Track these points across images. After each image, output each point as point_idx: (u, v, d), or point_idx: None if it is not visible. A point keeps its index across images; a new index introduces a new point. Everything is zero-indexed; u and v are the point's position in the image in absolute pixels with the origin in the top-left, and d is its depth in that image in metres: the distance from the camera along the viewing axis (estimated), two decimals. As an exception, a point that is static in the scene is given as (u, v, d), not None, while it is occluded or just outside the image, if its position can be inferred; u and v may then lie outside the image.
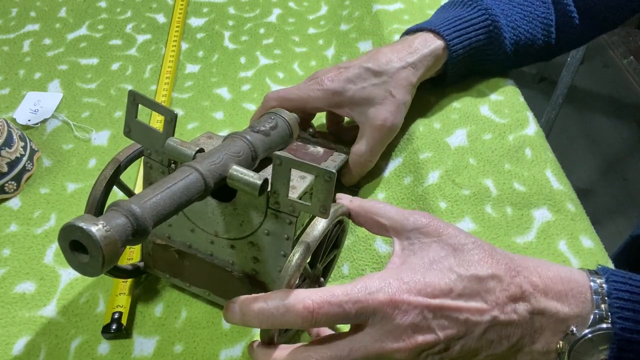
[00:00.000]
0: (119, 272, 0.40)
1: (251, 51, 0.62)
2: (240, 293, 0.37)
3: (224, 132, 0.54)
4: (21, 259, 0.45)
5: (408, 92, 0.46)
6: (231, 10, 0.68)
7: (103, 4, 0.69)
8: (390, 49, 0.46)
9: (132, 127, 0.34)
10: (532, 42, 0.50)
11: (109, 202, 0.36)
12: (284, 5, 0.68)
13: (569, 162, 1.60)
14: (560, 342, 0.29)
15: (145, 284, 0.43)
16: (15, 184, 0.49)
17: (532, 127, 0.48)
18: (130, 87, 0.58)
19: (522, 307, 0.29)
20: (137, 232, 0.25)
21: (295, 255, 0.31)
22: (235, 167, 0.32)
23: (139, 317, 0.41)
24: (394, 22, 0.59)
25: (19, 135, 0.50)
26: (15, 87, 0.59)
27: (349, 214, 0.36)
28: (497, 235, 0.41)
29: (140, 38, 0.64)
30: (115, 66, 0.61)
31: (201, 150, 0.33)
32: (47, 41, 0.64)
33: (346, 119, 0.53)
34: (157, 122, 0.54)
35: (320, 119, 0.54)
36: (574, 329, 0.29)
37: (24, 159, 0.50)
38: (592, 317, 0.29)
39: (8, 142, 0.48)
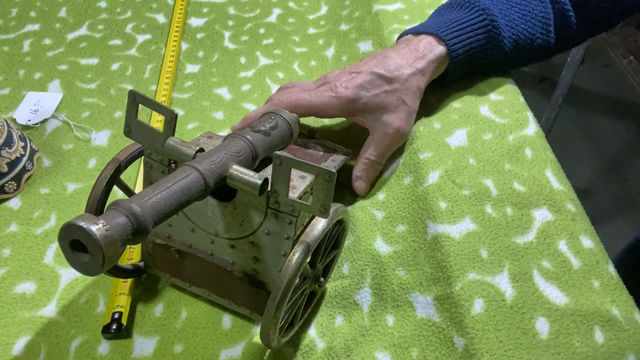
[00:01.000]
0: (119, 272, 0.40)
1: (251, 51, 0.62)
2: (241, 293, 0.37)
3: (224, 132, 0.54)
4: (21, 259, 0.45)
5: (418, 99, 0.47)
6: (231, 10, 0.68)
7: (103, 4, 0.69)
8: (398, 54, 0.46)
9: (132, 127, 0.34)
10: (531, 40, 0.50)
11: (109, 201, 0.36)
12: (284, 5, 0.68)
13: (569, 162, 1.60)
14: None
15: (145, 284, 0.43)
16: (15, 184, 0.49)
17: (532, 127, 0.48)
18: (130, 87, 0.58)
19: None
20: (138, 231, 0.25)
21: (295, 255, 0.31)
22: (235, 166, 0.32)
23: (139, 317, 0.41)
24: (394, 22, 0.59)
25: (19, 135, 0.50)
26: (15, 87, 0.59)
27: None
28: (497, 235, 0.41)
29: (140, 38, 0.64)
30: (115, 66, 0.61)
31: (201, 150, 0.33)
32: (47, 41, 0.64)
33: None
34: (157, 122, 0.54)
35: (319, 120, 0.54)
36: None
37: (24, 159, 0.50)
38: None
39: (8, 142, 0.48)
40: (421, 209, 0.43)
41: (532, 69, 1.83)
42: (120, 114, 0.56)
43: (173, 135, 0.34)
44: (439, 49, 0.47)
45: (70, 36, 0.64)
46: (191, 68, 0.61)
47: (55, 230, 0.47)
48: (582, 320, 0.37)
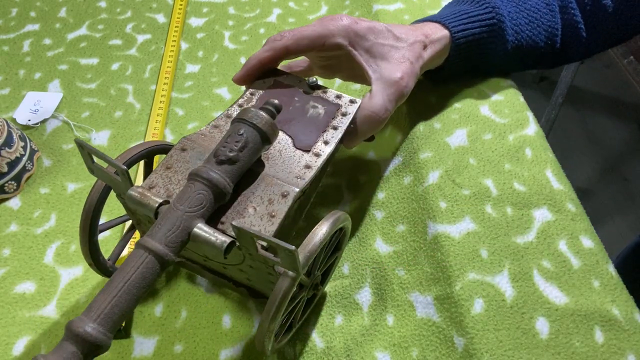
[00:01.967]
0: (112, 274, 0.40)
1: (251, 51, 0.62)
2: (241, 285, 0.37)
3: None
4: (21, 259, 0.45)
5: (419, 67, 0.45)
6: (231, 10, 0.68)
7: (103, 4, 0.69)
8: (404, 26, 0.46)
9: (94, 170, 0.33)
10: (534, 48, 0.50)
11: (109, 202, 0.36)
12: (284, 5, 0.68)
13: (569, 162, 1.60)
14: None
15: (145, 284, 0.43)
16: (15, 184, 0.49)
17: (532, 127, 0.48)
18: (130, 87, 0.59)
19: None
20: (90, 353, 0.26)
21: (289, 272, 0.30)
22: (199, 225, 0.30)
23: (139, 317, 0.41)
24: (394, 22, 0.59)
25: (19, 135, 0.50)
26: (15, 87, 0.59)
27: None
28: (497, 235, 0.41)
29: (140, 38, 0.64)
30: (115, 66, 0.61)
31: (166, 202, 0.31)
32: (47, 41, 0.64)
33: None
34: (156, 121, 0.54)
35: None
36: None
37: (24, 159, 0.50)
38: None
39: (8, 142, 0.48)
40: (421, 209, 0.43)
41: (532, 68, 1.83)
42: (120, 113, 0.56)
43: (132, 184, 0.32)
44: (443, 32, 0.47)
45: (70, 36, 0.64)
46: (191, 68, 0.61)
47: (55, 230, 0.47)
48: (582, 320, 0.37)
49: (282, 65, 0.46)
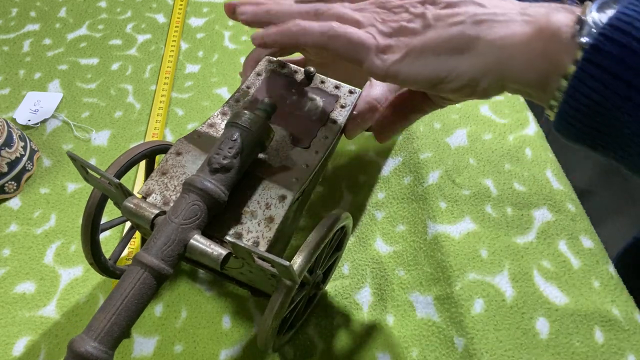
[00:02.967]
0: (117, 274, 0.40)
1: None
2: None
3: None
4: (21, 259, 0.45)
5: None
6: (231, 10, 0.68)
7: (103, 4, 0.69)
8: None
9: (89, 180, 0.33)
10: None
11: (110, 202, 0.36)
12: (284, 5, 0.68)
13: (569, 162, 1.60)
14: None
15: (145, 284, 0.43)
16: (15, 184, 0.49)
17: (532, 127, 0.48)
18: (130, 87, 0.58)
19: None
20: None
21: (294, 266, 0.30)
22: (196, 237, 0.30)
23: (139, 317, 0.41)
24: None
25: (19, 135, 0.50)
26: (15, 87, 0.59)
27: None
28: (497, 235, 0.41)
29: (140, 38, 0.64)
30: (115, 66, 0.61)
31: (162, 213, 0.31)
32: (47, 41, 0.64)
33: None
34: (156, 121, 0.54)
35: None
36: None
37: (24, 159, 0.50)
38: None
39: (8, 142, 0.48)
40: (421, 209, 0.43)
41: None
42: (120, 113, 0.56)
43: (127, 196, 0.32)
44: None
45: (70, 36, 0.64)
46: (191, 68, 0.61)
47: (55, 230, 0.47)
48: (582, 320, 0.37)
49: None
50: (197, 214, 0.30)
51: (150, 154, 0.37)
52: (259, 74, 0.41)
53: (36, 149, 0.52)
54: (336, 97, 0.40)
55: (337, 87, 0.41)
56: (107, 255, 0.40)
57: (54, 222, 0.47)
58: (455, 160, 0.46)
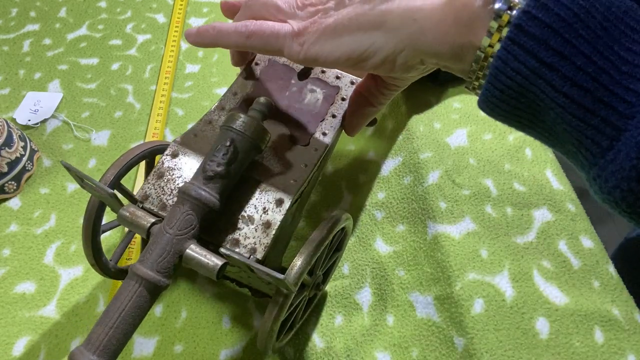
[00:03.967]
0: (117, 274, 0.40)
1: (251, 51, 0.63)
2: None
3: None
4: (21, 259, 0.45)
5: None
6: (231, 10, 0.68)
7: (103, 4, 0.69)
8: None
9: (86, 187, 0.33)
10: None
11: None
12: (284, 5, 0.68)
13: (569, 162, 1.60)
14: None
15: (145, 284, 0.43)
16: (15, 184, 0.49)
17: (532, 127, 0.48)
18: (130, 87, 0.58)
19: None
20: None
21: (294, 270, 0.30)
22: (192, 247, 0.30)
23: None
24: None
25: (19, 135, 0.50)
26: (15, 87, 0.59)
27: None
28: (497, 235, 0.41)
29: (140, 38, 0.64)
30: (115, 66, 0.61)
31: (158, 222, 0.31)
32: (47, 41, 0.64)
33: None
34: (156, 121, 0.54)
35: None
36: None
37: (24, 159, 0.50)
38: None
39: (8, 142, 0.48)
40: (421, 209, 0.43)
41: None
42: (120, 113, 0.56)
43: (122, 204, 0.32)
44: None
45: (70, 36, 0.64)
46: (191, 68, 0.61)
47: (55, 230, 0.47)
48: (582, 320, 0.37)
49: None
50: (192, 224, 0.30)
51: (149, 155, 0.37)
52: (257, 63, 0.40)
53: (36, 149, 0.52)
54: (337, 89, 0.39)
55: (338, 78, 0.40)
56: (108, 255, 0.40)
57: (54, 222, 0.47)
58: (455, 160, 0.46)
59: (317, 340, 0.40)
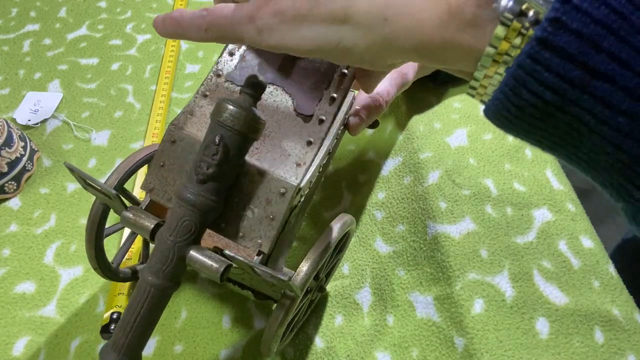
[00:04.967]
0: (117, 277, 0.40)
1: (251, 51, 0.62)
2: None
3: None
4: (21, 259, 0.45)
5: None
6: (231, 10, 0.68)
7: (103, 4, 0.69)
8: None
9: (88, 189, 0.33)
10: None
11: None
12: (284, 5, 0.68)
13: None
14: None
15: (145, 284, 0.43)
16: (15, 184, 0.49)
17: (532, 127, 0.48)
18: (130, 87, 0.58)
19: None
20: None
21: (299, 275, 0.30)
22: (192, 253, 0.30)
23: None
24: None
25: (19, 135, 0.50)
26: (15, 87, 0.59)
27: None
28: (497, 235, 0.41)
29: (140, 38, 0.64)
30: (115, 66, 0.61)
31: (160, 224, 0.31)
32: (47, 41, 0.64)
33: None
34: (156, 121, 0.54)
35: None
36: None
37: (24, 159, 0.50)
38: None
39: (8, 142, 0.48)
40: (421, 209, 0.43)
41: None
42: (120, 113, 0.56)
43: (125, 207, 0.32)
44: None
45: (70, 36, 0.64)
46: (191, 68, 0.61)
47: (55, 230, 0.47)
48: (582, 320, 0.37)
49: None
50: (191, 230, 0.30)
51: (152, 160, 0.37)
52: None
53: (36, 149, 0.52)
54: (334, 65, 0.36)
55: None
56: (109, 256, 0.40)
57: (54, 222, 0.47)
58: (455, 160, 0.46)
59: (317, 340, 0.40)
